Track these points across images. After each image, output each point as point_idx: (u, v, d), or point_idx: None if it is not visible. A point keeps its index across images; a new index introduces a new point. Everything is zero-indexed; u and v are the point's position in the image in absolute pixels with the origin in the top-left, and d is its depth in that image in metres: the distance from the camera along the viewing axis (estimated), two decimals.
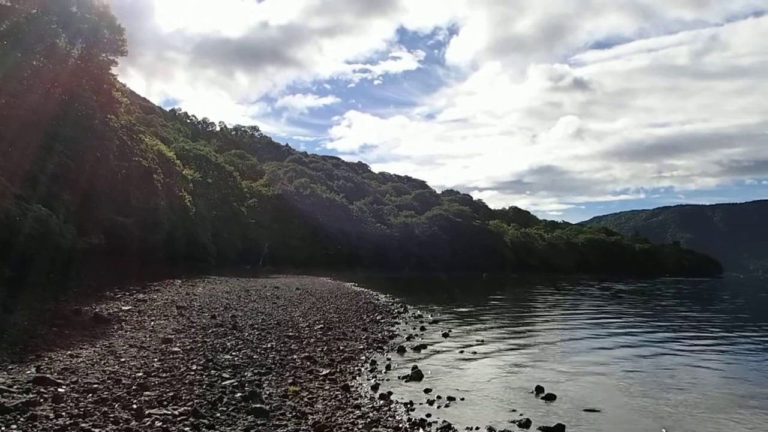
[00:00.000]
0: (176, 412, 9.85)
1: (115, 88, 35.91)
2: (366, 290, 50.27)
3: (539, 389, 14.17)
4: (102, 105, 32.79)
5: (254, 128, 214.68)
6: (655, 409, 13.18)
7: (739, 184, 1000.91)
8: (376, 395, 12.77)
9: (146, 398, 10.58)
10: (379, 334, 22.51)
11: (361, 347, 19.13)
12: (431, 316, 31.41)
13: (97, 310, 21.13)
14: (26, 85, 27.30)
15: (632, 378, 16.79)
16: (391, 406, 12.00)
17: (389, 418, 11.03)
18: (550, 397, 13.59)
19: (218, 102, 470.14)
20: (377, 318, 28.30)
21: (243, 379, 12.77)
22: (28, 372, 11.58)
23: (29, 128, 26.10)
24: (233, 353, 15.73)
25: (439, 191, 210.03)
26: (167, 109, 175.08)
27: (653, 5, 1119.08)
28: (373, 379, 14.41)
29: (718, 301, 62.50)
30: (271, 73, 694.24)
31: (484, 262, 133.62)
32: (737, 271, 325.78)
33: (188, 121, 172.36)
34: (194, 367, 13.46)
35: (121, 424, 9.04)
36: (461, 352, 19.85)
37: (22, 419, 8.80)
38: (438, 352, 19.72)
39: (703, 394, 14.93)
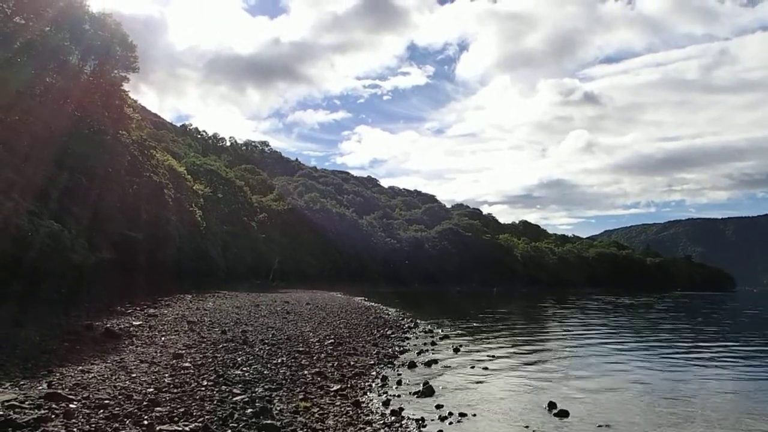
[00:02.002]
0: (187, 429, 9.81)
1: (126, 104, 36.16)
2: (376, 305, 50.17)
3: (552, 405, 14.03)
4: (114, 121, 33.05)
5: (264, 143, 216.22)
6: (670, 426, 13.02)
7: (750, 198, 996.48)
8: (387, 411, 12.69)
9: (157, 414, 10.54)
10: (390, 350, 22.41)
11: (372, 362, 19.04)
12: (442, 330, 31.26)
13: (108, 325, 21.13)
14: (39, 101, 27.57)
15: (646, 393, 16.60)
16: (403, 422, 11.91)
17: None
18: (563, 413, 13.43)
19: (230, 117, 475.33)
20: (387, 333, 28.19)
21: (254, 394, 12.71)
22: (40, 387, 11.58)
23: (41, 144, 26.34)
24: (244, 368, 15.68)
25: (448, 205, 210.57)
26: (179, 124, 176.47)
27: (663, 20, 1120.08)
28: (384, 395, 14.32)
29: (732, 315, 61.89)
30: (282, 90, 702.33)
31: (494, 277, 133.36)
32: (750, 285, 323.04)
33: (199, 136, 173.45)
34: (205, 383, 13.42)
35: None
36: (472, 367, 19.72)
37: None
38: (449, 367, 19.61)
39: (717, 409, 14.76)
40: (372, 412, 12.47)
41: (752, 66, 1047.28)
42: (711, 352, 26.46)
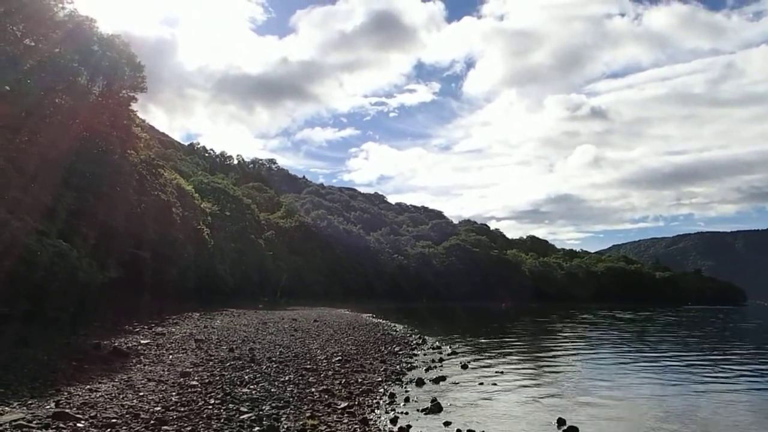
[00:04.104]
0: None
1: (134, 123, 36.37)
2: (383, 321, 50.03)
3: (561, 422, 13.94)
4: (121, 140, 33.23)
5: (272, 161, 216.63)
6: None
7: (759, 211, 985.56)
8: (395, 429, 12.63)
9: None
10: (398, 366, 22.35)
11: (380, 379, 18.98)
12: (450, 347, 31.14)
13: (116, 344, 21.17)
14: (47, 121, 27.77)
15: (657, 409, 16.48)
16: None
17: None
18: (572, 430, 13.34)
19: (238, 136, 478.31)
20: (395, 350, 28.11)
21: (261, 412, 12.69)
22: (48, 407, 11.60)
23: (49, 163, 26.50)
24: (251, 386, 15.67)
25: (456, 221, 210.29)
26: (188, 143, 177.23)
27: (670, 36, 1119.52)
28: (392, 412, 14.25)
29: (744, 330, 61.39)
30: (290, 108, 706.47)
31: (503, 292, 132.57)
32: (762, 299, 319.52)
33: (206, 155, 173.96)
34: (212, 401, 13.42)
35: None
36: (481, 383, 19.62)
37: None
38: (457, 384, 19.51)
39: (730, 426, 14.61)
40: (380, 430, 12.42)
41: (758, 79, 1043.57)
42: (723, 368, 26.24)
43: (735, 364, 27.64)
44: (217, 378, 16.61)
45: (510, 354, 29.95)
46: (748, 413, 16.50)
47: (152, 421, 11.17)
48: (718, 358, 30.53)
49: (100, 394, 13.26)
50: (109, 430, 10.42)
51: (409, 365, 23.13)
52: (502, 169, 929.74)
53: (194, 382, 15.60)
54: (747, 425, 14.86)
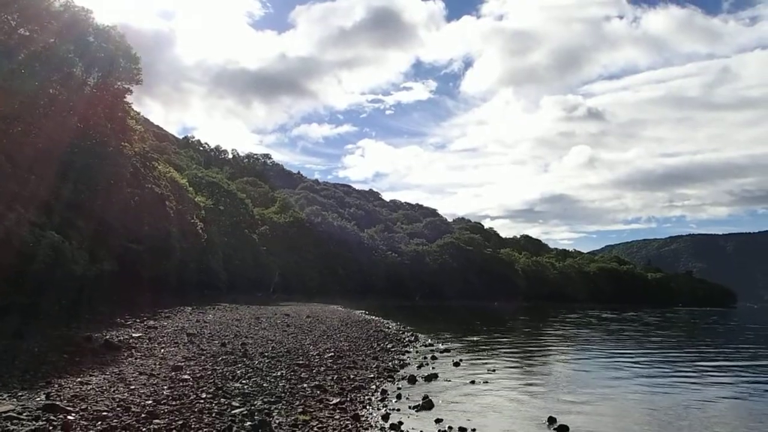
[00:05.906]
0: None
1: (129, 116, 36.24)
2: (376, 318, 50.07)
3: (552, 420, 13.99)
4: (116, 133, 33.09)
5: (266, 156, 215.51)
6: None
7: (751, 214, 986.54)
8: (387, 425, 12.65)
9: (155, 426, 10.52)
10: (390, 363, 22.37)
11: (372, 376, 19.00)
12: (442, 344, 31.20)
13: (107, 337, 21.13)
14: (42, 113, 27.65)
15: (646, 408, 16.56)
16: None
17: None
18: (563, 429, 13.40)
19: (235, 131, 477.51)
20: (388, 347, 28.14)
21: (253, 407, 12.68)
22: (38, 399, 11.56)
23: (45, 156, 26.41)
24: (243, 381, 15.66)
25: (450, 219, 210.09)
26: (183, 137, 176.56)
27: (667, 40, 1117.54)
28: (384, 409, 14.28)
29: (732, 331, 61.69)
30: (287, 104, 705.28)
31: (496, 291, 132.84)
32: (751, 301, 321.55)
33: (201, 148, 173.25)
34: (204, 395, 13.40)
35: None
36: (473, 381, 19.67)
37: None
38: (449, 381, 19.56)
39: (717, 423, 14.70)
40: (371, 426, 12.45)
41: (753, 84, 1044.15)
42: (712, 368, 26.40)
43: (722, 364, 27.81)
44: (209, 372, 16.59)
45: (501, 352, 30.04)
46: (734, 411, 16.61)
47: (143, 415, 11.15)
48: (706, 357, 30.71)
49: (91, 386, 13.22)
50: (99, 422, 10.40)
51: (402, 362, 23.17)
52: (497, 169, 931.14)
53: (186, 376, 15.57)
54: (734, 422, 14.95)
